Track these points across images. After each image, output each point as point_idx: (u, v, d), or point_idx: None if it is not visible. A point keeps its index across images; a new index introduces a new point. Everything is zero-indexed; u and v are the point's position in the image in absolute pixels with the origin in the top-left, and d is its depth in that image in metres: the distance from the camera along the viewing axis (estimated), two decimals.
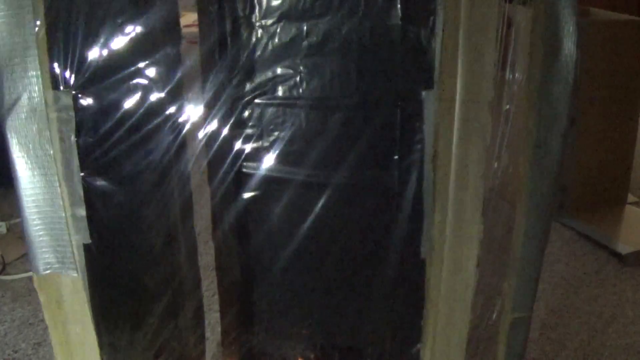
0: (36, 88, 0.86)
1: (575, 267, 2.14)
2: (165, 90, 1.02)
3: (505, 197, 1.01)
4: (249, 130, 1.04)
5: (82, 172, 1.05)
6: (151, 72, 1.00)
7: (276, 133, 1.04)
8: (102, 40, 0.98)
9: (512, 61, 0.96)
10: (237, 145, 1.04)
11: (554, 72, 0.80)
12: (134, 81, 1.00)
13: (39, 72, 0.86)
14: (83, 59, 1.00)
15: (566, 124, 0.82)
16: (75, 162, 1.03)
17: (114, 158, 1.05)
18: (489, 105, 0.86)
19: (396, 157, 1.02)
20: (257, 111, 1.04)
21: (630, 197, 2.57)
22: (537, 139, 0.83)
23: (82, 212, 1.06)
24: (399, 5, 0.95)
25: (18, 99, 0.87)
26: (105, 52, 0.99)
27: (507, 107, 1.00)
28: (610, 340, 1.77)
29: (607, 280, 2.06)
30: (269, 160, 1.05)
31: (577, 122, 2.25)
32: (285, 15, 0.98)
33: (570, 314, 1.89)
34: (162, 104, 1.02)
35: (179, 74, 1.02)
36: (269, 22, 0.99)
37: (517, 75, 0.93)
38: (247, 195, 1.07)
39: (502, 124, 1.01)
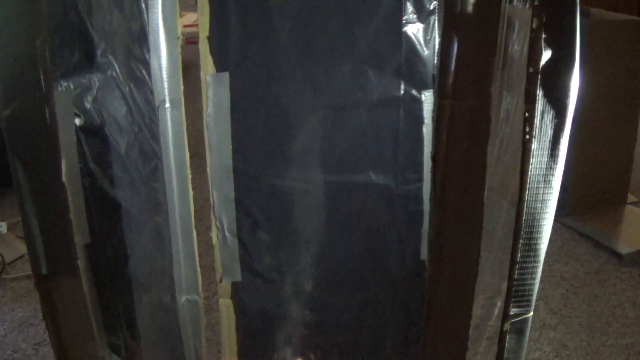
0: (36, 88, 0.86)
1: (575, 267, 2.14)
2: (162, 89, 1.02)
3: (505, 197, 1.01)
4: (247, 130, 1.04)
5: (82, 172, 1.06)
6: (147, 71, 1.00)
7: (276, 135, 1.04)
8: (100, 41, 0.99)
9: (512, 61, 0.96)
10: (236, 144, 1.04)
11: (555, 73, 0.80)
12: (128, 80, 1.00)
13: (39, 72, 0.86)
14: (84, 59, 1.00)
15: (568, 123, 0.82)
16: (76, 162, 1.03)
17: (112, 157, 1.05)
18: (489, 105, 0.85)
19: (396, 157, 1.02)
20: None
21: (630, 197, 2.57)
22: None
23: (82, 212, 1.06)
24: (400, 6, 0.95)
25: (18, 99, 0.87)
26: (103, 53, 0.99)
27: (507, 107, 1.00)
28: (610, 340, 1.77)
29: (607, 280, 2.06)
30: (268, 160, 1.05)
31: (577, 122, 2.25)
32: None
33: (570, 314, 1.89)
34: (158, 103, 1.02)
35: (177, 73, 1.02)
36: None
37: (517, 75, 0.93)
38: (247, 195, 1.07)
39: (502, 124, 1.01)
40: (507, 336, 0.91)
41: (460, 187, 0.90)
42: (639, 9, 3.67)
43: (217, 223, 1.08)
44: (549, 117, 0.81)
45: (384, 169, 1.03)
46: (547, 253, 0.87)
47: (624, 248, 2.19)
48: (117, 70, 1.00)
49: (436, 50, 0.96)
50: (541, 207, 0.84)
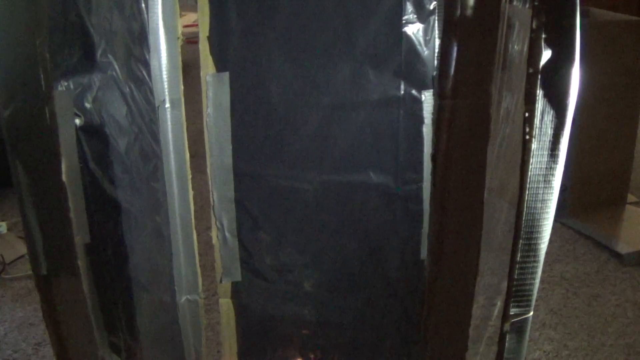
0: (36, 88, 0.86)
1: (575, 267, 2.14)
2: (162, 89, 1.02)
3: (505, 197, 1.01)
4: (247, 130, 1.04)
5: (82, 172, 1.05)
6: (147, 71, 1.00)
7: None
8: (100, 41, 0.99)
9: (512, 61, 0.96)
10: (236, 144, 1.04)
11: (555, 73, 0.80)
12: (128, 80, 1.00)
13: (39, 72, 0.86)
14: (84, 59, 1.00)
15: (568, 123, 0.82)
16: (76, 161, 1.03)
17: (112, 157, 1.05)
18: (489, 105, 0.85)
19: (396, 157, 1.02)
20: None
21: (630, 197, 2.57)
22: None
23: (82, 212, 1.06)
24: (400, 6, 0.95)
25: (18, 99, 0.87)
26: (103, 53, 0.99)
27: (507, 107, 1.00)
28: (610, 340, 1.77)
29: (607, 280, 2.06)
30: (268, 160, 1.05)
31: (577, 122, 2.25)
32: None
33: (570, 314, 1.89)
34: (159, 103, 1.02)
35: (177, 73, 1.02)
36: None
37: (517, 75, 0.93)
38: (247, 195, 1.07)
39: (502, 123, 1.01)
40: (507, 336, 0.91)
41: (460, 187, 0.90)
42: (639, 9, 3.67)
43: (217, 223, 1.08)
44: (549, 117, 0.80)
45: (384, 169, 1.03)
46: (547, 253, 0.87)
47: (624, 248, 2.19)
48: (117, 70, 1.00)
49: (436, 51, 0.96)
50: (541, 207, 0.84)
